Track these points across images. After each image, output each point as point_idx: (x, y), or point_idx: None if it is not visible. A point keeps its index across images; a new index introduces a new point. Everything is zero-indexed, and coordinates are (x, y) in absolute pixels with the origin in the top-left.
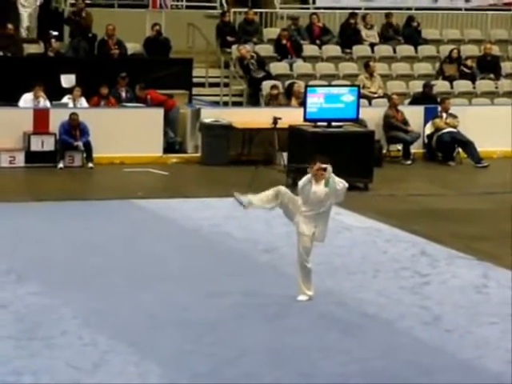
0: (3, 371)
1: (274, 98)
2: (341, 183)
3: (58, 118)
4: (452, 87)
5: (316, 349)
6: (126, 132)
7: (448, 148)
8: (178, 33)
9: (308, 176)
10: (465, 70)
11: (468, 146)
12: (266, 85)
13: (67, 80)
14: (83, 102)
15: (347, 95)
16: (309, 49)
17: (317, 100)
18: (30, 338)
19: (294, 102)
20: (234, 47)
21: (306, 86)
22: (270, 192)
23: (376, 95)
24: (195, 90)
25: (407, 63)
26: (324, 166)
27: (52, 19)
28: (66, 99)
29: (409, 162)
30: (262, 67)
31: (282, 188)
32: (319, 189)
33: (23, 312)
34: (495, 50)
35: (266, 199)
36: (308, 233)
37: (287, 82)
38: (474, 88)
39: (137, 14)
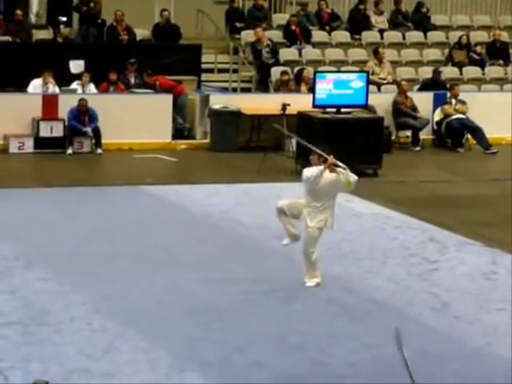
0: (12, 358)
1: (285, 84)
2: (352, 177)
3: (66, 104)
4: (461, 73)
5: (325, 335)
6: (135, 118)
7: (457, 134)
8: (187, 19)
9: (320, 168)
10: (474, 56)
11: (477, 132)
12: (276, 71)
13: (76, 66)
14: (92, 87)
15: (356, 81)
16: (318, 35)
17: (326, 86)
18: (38, 324)
19: (303, 87)
20: (244, 33)
21: (315, 72)
22: (279, 218)
23: (385, 81)
24: (204, 76)
25: (416, 49)
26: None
27: (61, 5)
28: (74, 85)
29: (418, 149)
30: (274, 55)
31: (279, 205)
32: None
33: (32, 298)
34: (504, 37)
35: (287, 226)
36: (315, 225)
37: (296, 68)
38: (484, 74)
39: (145, 0)
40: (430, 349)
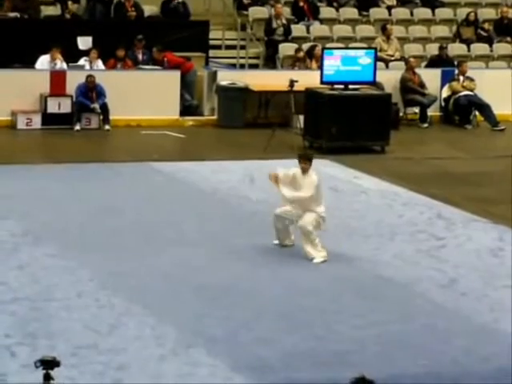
0: (20, 334)
1: (301, 61)
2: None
3: (74, 80)
4: (469, 50)
5: (331, 312)
6: (143, 94)
7: (465, 111)
8: None
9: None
10: (482, 33)
11: (485, 109)
12: (284, 47)
13: (84, 42)
14: (100, 64)
15: (364, 58)
16: (326, 11)
17: (334, 62)
18: (46, 300)
19: (314, 64)
20: (252, 9)
21: (323, 49)
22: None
23: (393, 58)
24: (212, 53)
25: (424, 26)
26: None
27: None
28: (82, 61)
29: (425, 125)
30: (286, 33)
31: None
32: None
33: (39, 274)
34: None
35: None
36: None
37: (305, 45)
38: (491, 51)
39: None
40: (437, 324)
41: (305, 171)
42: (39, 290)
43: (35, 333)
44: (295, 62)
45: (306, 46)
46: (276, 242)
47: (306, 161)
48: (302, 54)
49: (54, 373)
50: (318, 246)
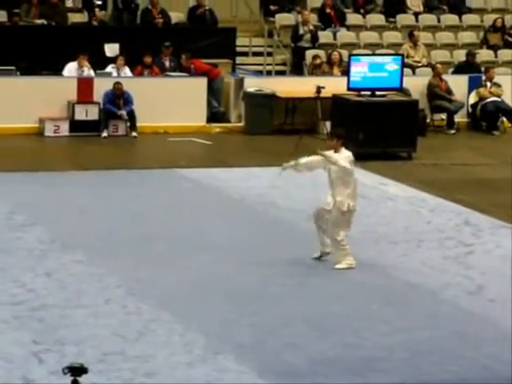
0: (48, 340)
1: (318, 67)
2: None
3: (101, 87)
4: (496, 56)
5: (359, 318)
6: (170, 101)
7: (492, 117)
8: (222, 2)
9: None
10: (509, 39)
11: None
12: (310, 54)
13: (111, 49)
14: (127, 71)
15: (391, 64)
16: (353, 18)
17: (361, 69)
18: (74, 307)
19: (335, 70)
20: (279, 16)
21: (350, 55)
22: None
23: (420, 64)
24: (239, 60)
25: (451, 32)
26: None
27: None
28: (109, 68)
29: (453, 132)
30: (313, 40)
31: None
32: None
33: (67, 281)
34: None
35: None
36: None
37: (328, 51)
38: None
39: None
40: (465, 331)
41: (336, 150)
42: (67, 297)
43: (63, 339)
44: (313, 70)
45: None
46: (316, 255)
47: (333, 138)
48: (319, 60)
49: (81, 379)
50: (345, 250)
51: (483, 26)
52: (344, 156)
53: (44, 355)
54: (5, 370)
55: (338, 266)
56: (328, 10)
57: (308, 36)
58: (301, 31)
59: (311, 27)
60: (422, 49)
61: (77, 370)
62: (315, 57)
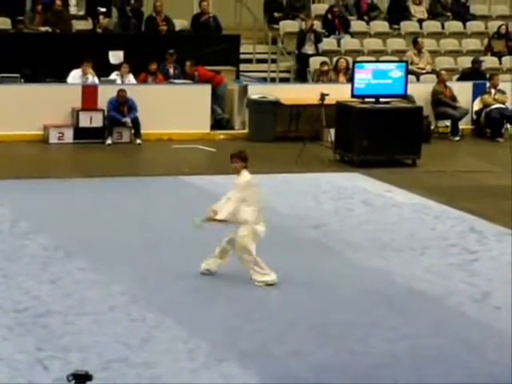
0: (52, 347)
1: (325, 74)
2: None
3: (106, 95)
4: (500, 63)
5: (364, 325)
6: (174, 108)
7: (497, 124)
8: (226, 9)
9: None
10: None
11: None
12: (314, 61)
13: (115, 56)
14: (131, 78)
15: (395, 71)
16: (357, 24)
17: (365, 76)
18: (77, 314)
19: (341, 77)
20: (283, 23)
21: (354, 62)
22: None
23: (424, 71)
24: (242, 67)
25: (455, 39)
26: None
27: None
28: (114, 75)
29: (457, 138)
30: (316, 43)
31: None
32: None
33: (71, 288)
34: None
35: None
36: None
37: (335, 59)
38: None
39: None
40: (470, 338)
41: (237, 171)
42: (71, 304)
43: (67, 346)
44: (319, 76)
45: (336, 60)
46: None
47: (233, 159)
48: (326, 67)
49: None
50: (258, 266)
51: (487, 32)
52: (236, 183)
53: (48, 362)
54: (9, 376)
55: (257, 284)
56: (332, 17)
57: (312, 43)
58: (305, 38)
59: (315, 34)
60: (427, 55)
61: (81, 377)
62: (323, 63)
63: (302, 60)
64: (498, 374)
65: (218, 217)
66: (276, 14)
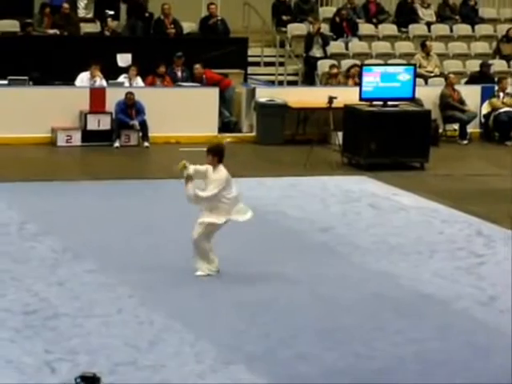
0: (60, 349)
1: (334, 77)
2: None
3: (114, 97)
4: (509, 66)
5: (370, 329)
6: (182, 111)
7: (505, 128)
8: (234, 12)
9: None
10: None
11: None
12: (322, 64)
13: (123, 59)
14: (139, 81)
15: (403, 74)
16: (365, 27)
17: (373, 79)
18: (86, 316)
19: (350, 82)
20: (291, 26)
21: (362, 65)
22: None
23: (432, 74)
24: (250, 70)
25: (464, 42)
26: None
27: None
28: (122, 78)
29: (465, 142)
30: (324, 46)
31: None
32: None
33: (79, 290)
34: None
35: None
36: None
37: (343, 62)
38: None
39: None
40: (477, 342)
41: (214, 167)
42: (79, 306)
43: (75, 349)
44: (328, 79)
45: (344, 63)
46: (200, 272)
47: (208, 154)
48: (335, 70)
49: None
50: (208, 257)
51: (496, 35)
52: (214, 178)
53: (56, 364)
54: (17, 379)
55: (198, 273)
56: (340, 20)
57: (320, 46)
58: (312, 41)
59: (322, 37)
60: (435, 59)
61: (89, 380)
62: (332, 66)
63: (310, 63)
64: (505, 377)
65: (201, 193)
66: (284, 17)
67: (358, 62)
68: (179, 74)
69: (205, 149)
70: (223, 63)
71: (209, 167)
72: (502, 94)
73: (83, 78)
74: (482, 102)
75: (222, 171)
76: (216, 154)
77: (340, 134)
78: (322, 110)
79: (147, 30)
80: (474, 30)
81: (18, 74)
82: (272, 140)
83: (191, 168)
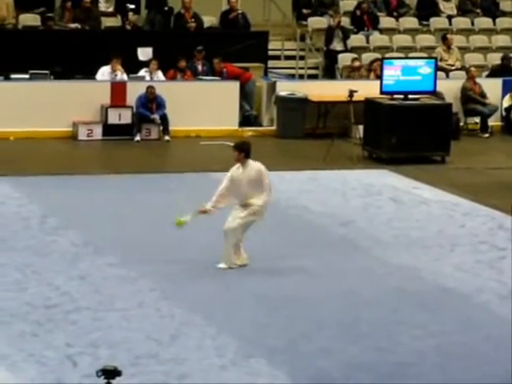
0: (81, 343)
1: (356, 70)
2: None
3: (134, 91)
4: None
5: (392, 322)
6: (202, 105)
7: None
8: (254, 6)
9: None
10: None
11: None
12: (343, 57)
13: (144, 53)
14: (160, 75)
15: (424, 67)
16: (386, 21)
17: (393, 72)
18: (107, 310)
19: (372, 76)
20: (311, 19)
21: (383, 59)
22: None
23: (453, 67)
24: (271, 63)
25: (485, 35)
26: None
27: None
28: (142, 72)
29: (486, 135)
30: (345, 40)
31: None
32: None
33: (100, 284)
34: None
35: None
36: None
37: (364, 55)
38: None
39: None
40: (498, 336)
41: (242, 164)
42: (100, 300)
43: (96, 342)
44: (350, 72)
45: (365, 56)
46: (223, 265)
47: (235, 150)
48: (357, 63)
49: (115, 382)
50: (239, 249)
51: None
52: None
53: (78, 358)
54: (39, 372)
55: (220, 266)
56: (361, 14)
57: (340, 40)
58: (333, 35)
59: (343, 31)
60: (456, 52)
61: (110, 373)
62: (354, 59)
63: (331, 56)
64: None
65: (263, 198)
66: (304, 11)
67: (378, 56)
68: (200, 67)
69: (226, 142)
70: (244, 57)
71: (232, 170)
72: None
73: (104, 72)
74: (504, 95)
75: (254, 164)
76: (242, 150)
77: (361, 127)
78: (343, 104)
79: (167, 23)
80: (495, 23)
81: (40, 68)
82: (292, 134)
83: (209, 205)
